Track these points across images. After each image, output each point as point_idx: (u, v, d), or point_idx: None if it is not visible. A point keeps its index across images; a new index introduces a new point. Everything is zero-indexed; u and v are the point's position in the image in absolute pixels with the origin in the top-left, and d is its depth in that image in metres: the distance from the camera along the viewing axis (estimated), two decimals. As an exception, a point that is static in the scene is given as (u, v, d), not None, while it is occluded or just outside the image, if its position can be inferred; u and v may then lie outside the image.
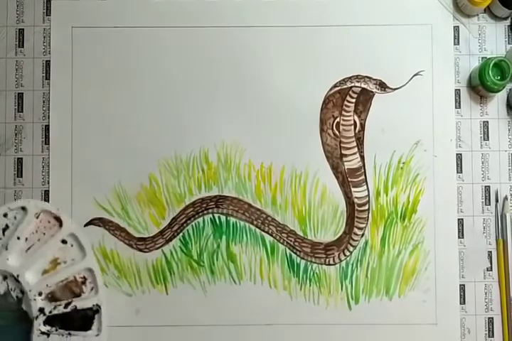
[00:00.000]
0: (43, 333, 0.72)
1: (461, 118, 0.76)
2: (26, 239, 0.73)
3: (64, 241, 0.74)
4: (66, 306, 0.72)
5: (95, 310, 0.73)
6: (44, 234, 0.74)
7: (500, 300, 0.74)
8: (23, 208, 0.73)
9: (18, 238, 0.72)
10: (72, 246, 0.74)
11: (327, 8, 0.76)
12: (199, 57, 0.76)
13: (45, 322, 0.72)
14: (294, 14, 0.76)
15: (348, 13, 0.76)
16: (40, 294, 0.72)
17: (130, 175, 0.75)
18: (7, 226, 0.73)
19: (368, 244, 0.75)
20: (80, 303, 0.73)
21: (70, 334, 0.72)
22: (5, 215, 0.73)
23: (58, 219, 0.74)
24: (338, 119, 0.75)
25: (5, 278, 0.72)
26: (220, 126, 0.75)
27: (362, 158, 0.75)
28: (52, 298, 0.73)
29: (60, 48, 0.76)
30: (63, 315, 0.72)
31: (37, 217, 0.73)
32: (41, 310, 0.72)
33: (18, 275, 0.71)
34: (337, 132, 0.75)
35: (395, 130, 0.75)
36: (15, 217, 0.73)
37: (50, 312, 0.72)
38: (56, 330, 0.72)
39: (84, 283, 0.73)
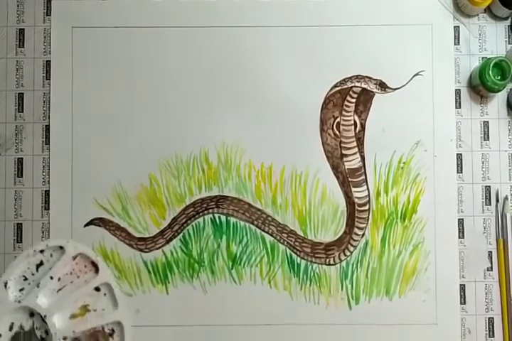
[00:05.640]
0: None
1: (461, 118, 0.76)
2: (59, 279, 0.70)
3: (97, 289, 0.71)
4: None
5: None
6: (78, 277, 0.71)
7: (500, 300, 0.74)
8: (61, 247, 0.71)
9: (51, 278, 0.70)
10: (105, 295, 0.71)
11: (327, 8, 0.76)
12: (199, 57, 0.76)
13: None
14: (294, 14, 0.76)
15: (348, 13, 0.76)
16: (65, 339, 0.69)
17: (130, 175, 0.75)
18: (41, 263, 0.71)
19: (369, 244, 0.75)
20: None
21: None
22: (42, 251, 0.70)
23: (95, 265, 0.71)
24: (338, 119, 0.75)
25: (32, 315, 0.69)
26: (220, 126, 0.75)
27: (362, 158, 0.75)
28: None
29: (60, 48, 0.76)
30: None
31: (74, 259, 0.71)
32: None
33: (45, 316, 0.68)
34: (337, 132, 0.75)
35: (396, 130, 0.75)
36: (51, 255, 0.71)
37: None
38: None
39: (111, 335, 0.71)
